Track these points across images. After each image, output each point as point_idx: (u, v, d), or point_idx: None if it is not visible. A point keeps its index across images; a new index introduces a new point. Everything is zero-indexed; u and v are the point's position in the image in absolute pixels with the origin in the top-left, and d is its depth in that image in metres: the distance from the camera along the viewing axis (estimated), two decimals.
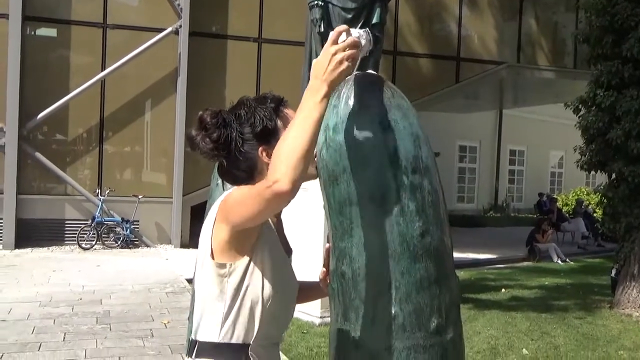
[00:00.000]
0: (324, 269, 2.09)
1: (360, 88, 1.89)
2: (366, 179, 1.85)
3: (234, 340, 1.79)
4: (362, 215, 1.86)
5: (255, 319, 1.80)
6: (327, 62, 1.66)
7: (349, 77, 1.97)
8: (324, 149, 1.89)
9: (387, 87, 1.92)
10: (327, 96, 1.65)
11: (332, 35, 1.70)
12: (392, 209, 1.84)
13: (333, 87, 1.66)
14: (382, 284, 1.84)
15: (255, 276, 1.79)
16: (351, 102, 1.88)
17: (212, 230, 1.80)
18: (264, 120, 1.83)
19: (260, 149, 1.83)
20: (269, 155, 1.78)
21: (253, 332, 1.80)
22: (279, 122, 1.85)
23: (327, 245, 2.00)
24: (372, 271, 1.85)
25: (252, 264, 1.79)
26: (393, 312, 1.84)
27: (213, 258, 1.80)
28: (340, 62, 1.65)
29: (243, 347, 1.80)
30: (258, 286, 1.79)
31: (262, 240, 1.80)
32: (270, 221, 1.87)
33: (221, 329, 1.80)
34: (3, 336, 6.45)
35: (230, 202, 1.74)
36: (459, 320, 1.98)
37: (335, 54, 1.66)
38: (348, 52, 1.66)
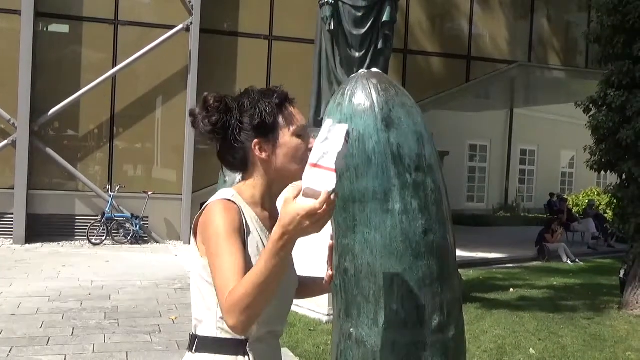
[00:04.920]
0: (329, 268, 2.09)
1: (364, 86, 1.90)
2: (369, 177, 1.85)
3: (230, 335, 1.80)
4: (365, 212, 1.86)
5: None
6: (300, 217, 1.54)
7: (353, 75, 1.97)
8: None
9: (391, 86, 1.92)
10: (285, 248, 1.58)
11: (322, 197, 1.53)
12: (395, 207, 1.85)
13: (294, 242, 1.60)
14: (384, 281, 1.85)
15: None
16: (355, 100, 1.89)
17: (196, 235, 1.84)
18: (263, 114, 1.83)
19: (255, 141, 1.83)
20: (262, 150, 1.83)
21: None
22: (281, 119, 1.84)
23: (331, 242, 2.00)
24: (374, 268, 1.85)
25: None
26: (395, 309, 1.84)
27: (202, 256, 1.82)
28: (311, 225, 1.55)
29: (241, 342, 1.81)
30: None
31: (250, 238, 1.81)
32: (259, 221, 1.87)
33: (217, 323, 1.81)
34: (12, 330, 6.50)
35: (208, 244, 1.76)
36: (461, 318, 1.98)
37: (313, 214, 1.53)
38: (324, 217, 1.55)
